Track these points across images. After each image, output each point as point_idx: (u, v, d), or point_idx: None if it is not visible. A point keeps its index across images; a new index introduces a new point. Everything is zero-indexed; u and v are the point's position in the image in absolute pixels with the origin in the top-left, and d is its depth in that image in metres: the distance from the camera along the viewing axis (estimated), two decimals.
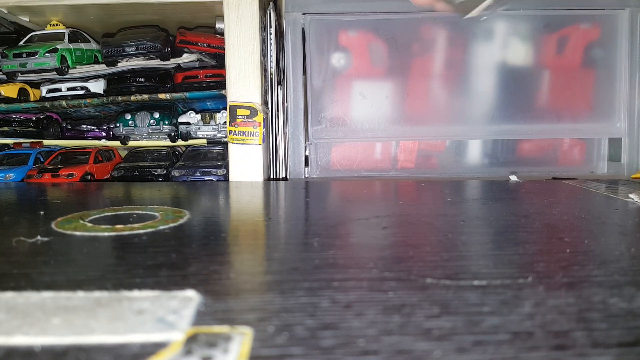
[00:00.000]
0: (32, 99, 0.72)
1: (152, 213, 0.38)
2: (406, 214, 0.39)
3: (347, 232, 0.33)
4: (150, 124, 0.71)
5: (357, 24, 0.69)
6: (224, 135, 0.70)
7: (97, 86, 0.72)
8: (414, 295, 0.22)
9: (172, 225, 0.34)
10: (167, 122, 0.71)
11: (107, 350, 0.17)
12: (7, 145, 0.74)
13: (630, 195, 0.44)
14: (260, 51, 0.65)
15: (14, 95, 0.70)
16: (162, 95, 0.69)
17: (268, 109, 0.69)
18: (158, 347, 0.17)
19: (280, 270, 0.25)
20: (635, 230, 0.33)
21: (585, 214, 0.38)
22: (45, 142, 0.74)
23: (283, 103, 0.70)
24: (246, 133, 0.65)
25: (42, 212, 0.39)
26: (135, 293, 0.22)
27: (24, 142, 0.73)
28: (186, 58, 0.73)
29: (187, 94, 0.69)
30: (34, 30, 0.74)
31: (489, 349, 0.17)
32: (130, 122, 0.72)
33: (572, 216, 0.38)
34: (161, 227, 0.33)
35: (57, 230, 0.33)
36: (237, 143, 0.65)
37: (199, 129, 0.71)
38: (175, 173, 0.65)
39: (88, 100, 0.70)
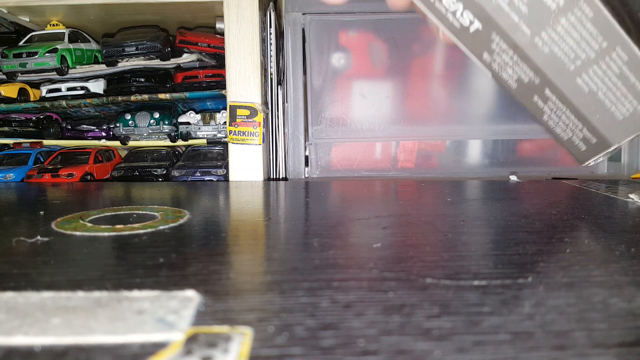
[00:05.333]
0: (32, 99, 0.72)
1: (152, 213, 0.38)
2: (406, 214, 0.39)
3: (347, 232, 0.33)
4: (150, 124, 0.71)
5: (357, 24, 0.69)
6: (224, 135, 0.70)
7: (97, 86, 0.72)
8: (414, 295, 0.22)
9: (172, 225, 0.34)
10: (167, 122, 0.71)
11: (107, 351, 0.17)
12: (7, 145, 0.74)
13: (630, 195, 0.44)
14: (260, 51, 0.65)
15: (14, 95, 0.70)
16: (162, 95, 0.69)
17: (268, 109, 0.69)
18: (158, 347, 0.17)
19: (280, 271, 0.25)
20: (635, 230, 0.33)
21: (585, 214, 0.38)
22: (45, 142, 0.74)
23: (283, 103, 0.70)
24: (246, 133, 0.65)
25: (42, 212, 0.39)
26: (135, 293, 0.22)
27: (24, 142, 0.73)
28: (186, 58, 0.73)
29: (187, 94, 0.69)
30: (34, 30, 0.74)
31: (489, 349, 0.17)
32: (130, 122, 0.72)
33: (572, 216, 0.38)
34: (161, 227, 0.33)
35: (57, 230, 0.33)
36: (237, 143, 0.65)
37: (199, 129, 0.71)
38: (175, 173, 0.65)
39: (88, 100, 0.70)
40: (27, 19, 0.73)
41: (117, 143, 0.73)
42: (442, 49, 0.70)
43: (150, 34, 0.72)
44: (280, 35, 0.71)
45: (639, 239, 0.30)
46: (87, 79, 0.72)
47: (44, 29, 0.74)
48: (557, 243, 0.30)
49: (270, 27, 0.68)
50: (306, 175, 0.70)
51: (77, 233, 0.32)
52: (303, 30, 0.68)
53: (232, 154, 0.66)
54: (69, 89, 0.71)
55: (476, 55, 0.27)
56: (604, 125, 0.28)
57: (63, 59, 0.70)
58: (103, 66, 0.72)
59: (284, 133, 0.70)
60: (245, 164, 0.65)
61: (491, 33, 0.26)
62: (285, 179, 0.70)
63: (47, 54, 0.68)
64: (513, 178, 0.64)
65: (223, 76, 0.67)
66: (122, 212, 0.39)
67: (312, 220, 0.38)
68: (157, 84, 0.71)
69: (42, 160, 0.70)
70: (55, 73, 0.70)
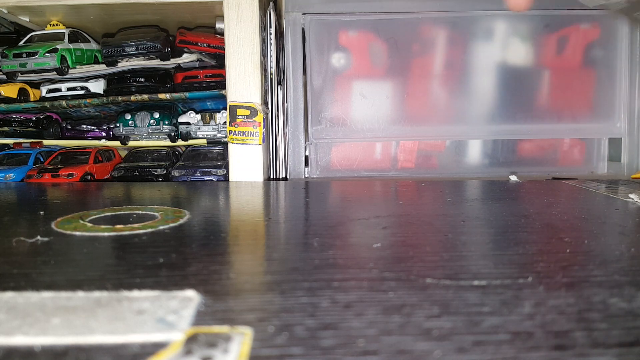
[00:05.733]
0: (32, 99, 0.72)
1: (152, 213, 0.38)
2: (406, 214, 0.39)
3: (347, 232, 0.33)
4: (150, 124, 0.71)
5: (357, 24, 0.69)
6: (224, 135, 0.70)
7: (97, 86, 0.72)
8: (414, 295, 0.22)
9: (172, 225, 0.34)
10: (167, 122, 0.71)
11: (106, 350, 0.17)
12: (7, 145, 0.74)
13: (630, 195, 0.44)
14: (260, 51, 0.65)
15: (14, 95, 0.70)
16: (162, 95, 0.69)
17: (268, 109, 0.69)
18: (158, 347, 0.17)
19: (280, 271, 0.25)
20: (635, 230, 0.33)
21: (585, 214, 0.38)
22: (45, 142, 0.74)
23: (283, 103, 0.70)
24: (246, 133, 0.65)
25: (42, 212, 0.39)
26: (135, 293, 0.22)
27: (24, 142, 0.73)
28: (186, 58, 0.73)
29: (187, 94, 0.69)
30: (34, 30, 0.74)
31: (489, 349, 0.17)
32: (130, 122, 0.72)
33: (572, 216, 0.38)
34: (161, 227, 0.33)
35: (57, 230, 0.33)
36: (237, 143, 0.65)
37: (199, 129, 0.71)
38: (175, 173, 0.65)
39: (88, 100, 0.70)
40: (27, 19, 0.73)
41: (117, 143, 0.73)
42: (442, 49, 0.70)
43: (150, 34, 0.72)
44: (280, 35, 0.70)
45: (639, 239, 0.30)
46: (87, 79, 0.72)
47: (44, 29, 0.74)
48: (557, 243, 0.30)
49: (270, 27, 0.68)
50: (306, 175, 0.70)
51: (77, 233, 0.32)
52: (303, 30, 0.68)
53: (232, 154, 0.66)
54: (69, 89, 0.71)
55: None
56: None
57: (63, 59, 0.70)
58: (103, 66, 0.72)
59: (284, 133, 0.70)
60: (245, 164, 0.65)
61: None
62: (285, 179, 0.70)
63: (47, 54, 0.68)
64: (513, 178, 0.64)
65: (223, 76, 0.67)
66: (122, 212, 0.39)
67: (312, 220, 0.37)
68: (157, 84, 0.71)
69: (42, 160, 0.70)
70: (55, 73, 0.70)
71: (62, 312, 0.20)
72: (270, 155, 0.71)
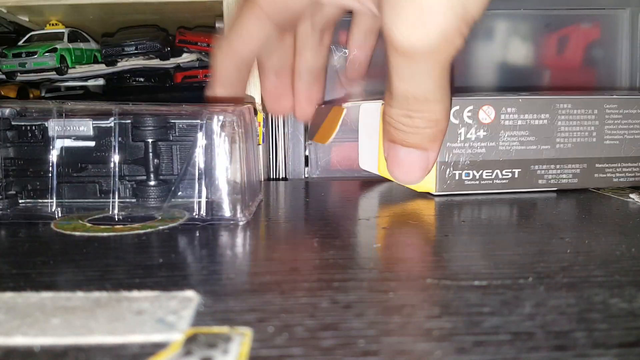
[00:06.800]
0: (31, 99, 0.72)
1: (151, 213, 0.38)
2: (406, 214, 0.39)
3: (347, 232, 0.33)
4: None
5: None
6: None
7: (96, 86, 0.72)
8: (414, 295, 0.22)
9: (171, 225, 0.34)
10: None
11: (106, 351, 0.17)
12: None
13: (631, 196, 0.44)
14: None
15: (13, 95, 0.70)
16: (161, 95, 0.69)
17: None
18: (157, 347, 0.17)
19: (280, 271, 0.25)
20: (635, 231, 0.32)
21: (586, 214, 0.38)
22: None
23: None
24: None
25: None
26: (135, 293, 0.22)
27: None
28: (186, 58, 0.73)
29: (186, 94, 0.69)
30: (33, 30, 0.74)
31: (489, 350, 0.17)
32: None
33: (573, 216, 0.38)
34: (161, 228, 0.33)
35: (56, 230, 0.33)
36: None
37: None
38: None
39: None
40: (27, 19, 0.73)
41: None
42: None
43: (150, 34, 0.72)
44: None
45: (639, 239, 0.30)
46: (86, 78, 0.72)
47: (43, 29, 0.74)
48: (557, 243, 0.30)
49: None
50: (306, 176, 0.70)
51: (77, 233, 0.32)
52: None
53: None
54: (67, 89, 0.71)
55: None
56: None
57: (62, 58, 0.70)
58: (102, 66, 0.72)
59: (284, 133, 0.70)
60: None
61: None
62: (285, 179, 0.70)
63: (46, 54, 0.68)
64: None
65: None
66: (121, 212, 0.39)
67: (312, 221, 0.37)
68: (157, 83, 0.71)
69: None
70: (54, 73, 0.70)
71: (62, 313, 0.20)
72: (270, 155, 0.71)
